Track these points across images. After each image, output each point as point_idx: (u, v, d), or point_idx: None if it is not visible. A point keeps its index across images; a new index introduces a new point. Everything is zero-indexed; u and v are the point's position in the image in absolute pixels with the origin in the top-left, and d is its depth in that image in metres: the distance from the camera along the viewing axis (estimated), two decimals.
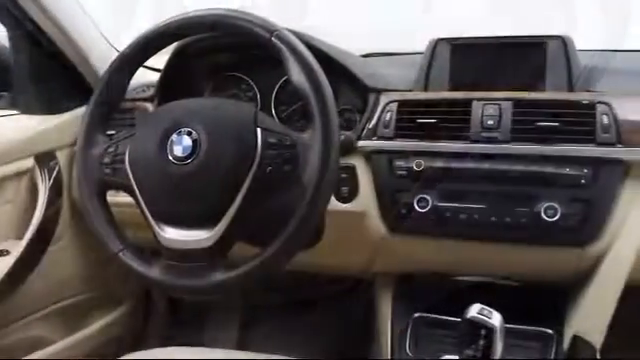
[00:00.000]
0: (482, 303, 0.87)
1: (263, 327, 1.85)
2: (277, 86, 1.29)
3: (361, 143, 1.13)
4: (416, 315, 1.18)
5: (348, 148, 1.10)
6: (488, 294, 0.99)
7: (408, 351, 1.12)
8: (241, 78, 1.33)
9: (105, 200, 1.00)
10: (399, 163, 1.10)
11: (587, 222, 1.02)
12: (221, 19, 0.97)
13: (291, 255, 0.92)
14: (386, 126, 1.12)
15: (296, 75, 0.92)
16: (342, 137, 1.07)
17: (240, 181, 0.90)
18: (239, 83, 1.33)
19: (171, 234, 0.93)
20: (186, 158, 0.91)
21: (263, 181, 0.91)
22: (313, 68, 0.92)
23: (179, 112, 0.96)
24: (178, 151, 0.91)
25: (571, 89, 1.12)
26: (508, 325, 1.06)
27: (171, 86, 1.29)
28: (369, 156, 1.12)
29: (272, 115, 1.28)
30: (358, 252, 1.20)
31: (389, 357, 1.13)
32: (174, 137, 0.92)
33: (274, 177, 0.91)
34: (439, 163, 1.07)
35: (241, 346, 1.80)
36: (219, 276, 0.92)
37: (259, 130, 0.92)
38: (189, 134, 0.92)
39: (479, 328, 0.86)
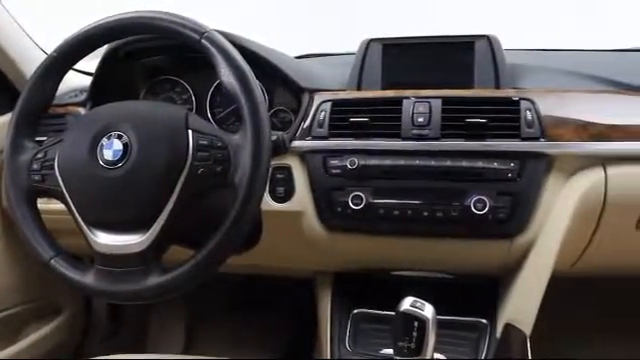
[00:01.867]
0: (419, 297, 0.90)
1: (210, 330, 1.84)
2: (212, 88, 1.28)
3: (296, 143, 1.14)
4: (355, 311, 1.19)
5: (281, 148, 1.11)
6: (424, 288, 1.01)
7: (347, 347, 1.14)
8: (176, 81, 1.32)
9: (35, 207, 0.98)
10: (333, 162, 1.11)
11: (515, 214, 1.05)
12: (150, 21, 0.96)
13: (225, 256, 0.92)
14: (320, 126, 1.13)
15: (226, 77, 0.92)
16: (274, 137, 1.08)
17: (172, 184, 0.90)
18: (174, 86, 1.32)
19: (104, 239, 0.92)
20: (117, 162, 0.90)
21: (195, 183, 0.91)
22: (243, 69, 0.93)
23: (109, 116, 0.95)
24: (108, 155, 0.91)
25: (498, 86, 1.15)
26: (444, 317, 1.10)
27: (104, 90, 1.27)
28: (304, 156, 1.13)
29: (208, 117, 1.28)
30: (297, 251, 1.21)
31: (329, 353, 1.14)
32: (104, 141, 0.91)
33: (206, 179, 0.91)
34: (372, 161, 1.09)
35: (187, 350, 1.79)
36: (154, 280, 0.91)
37: (190, 132, 0.92)
38: (119, 138, 0.91)
39: (412, 320, 0.88)
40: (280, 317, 1.81)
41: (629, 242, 1.17)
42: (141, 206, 0.91)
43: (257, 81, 0.94)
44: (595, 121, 1.08)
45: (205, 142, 0.92)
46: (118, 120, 0.93)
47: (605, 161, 1.08)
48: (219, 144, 0.92)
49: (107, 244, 0.92)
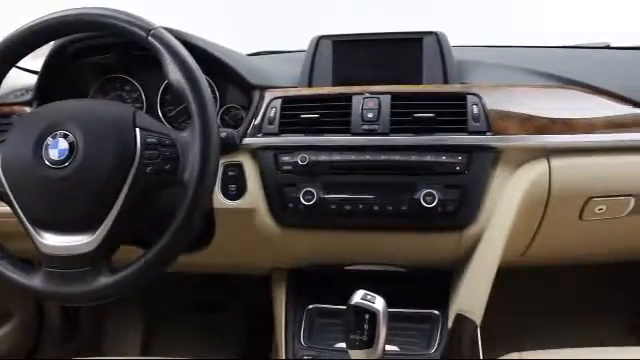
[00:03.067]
0: (372, 290, 0.90)
1: (168, 331, 1.82)
2: (162, 87, 1.27)
3: (247, 140, 1.14)
4: (310, 307, 1.20)
5: (231, 145, 1.10)
6: (378, 282, 1.03)
7: (302, 342, 1.14)
8: (125, 79, 1.30)
9: None
10: (284, 158, 1.11)
11: (463, 207, 1.07)
12: (96, 18, 0.95)
13: (176, 254, 0.92)
14: (270, 122, 1.14)
15: (173, 74, 0.92)
16: (224, 134, 1.07)
17: (120, 183, 0.89)
18: (123, 84, 1.30)
19: (51, 241, 0.91)
20: (63, 162, 0.89)
21: (144, 182, 0.90)
22: (190, 67, 0.92)
23: (54, 114, 0.94)
24: (54, 155, 0.89)
25: (446, 82, 1.18)
26: (397, 309, 1.12)
27: (51, 89, 1.24)
28: (255, 153, 1.13)
29: (158, 116, 1.27)
30: (250, 249, 1.21)
31: (283, 349, 1.14)
32: (49, 140, 0.90)
33: (155, 177, 0.91)
34: (323, 157, 1.10)
35: (145, 352, 1.77)
36: (103, 280, 0.90)
37: (138, 130, 0.91)
38: (65, 137, 0.90)
39: (363, 313, 0.89)
40: (239, 316, 1.81)
41: (573, 231, 1.21)
42: (88, 206, 0.90)
43: (207, 78, 0.94)
44: (539, 115, 1.11)
45: (153, 140, 0.91)
46: (64, 119, 0.92)
47: (549, 153, 1.11)
48: (167, 142, 0.92)
49: (54, 245, 0.91)
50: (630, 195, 1.15)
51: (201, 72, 0.93)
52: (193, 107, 0.91)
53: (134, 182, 0.89)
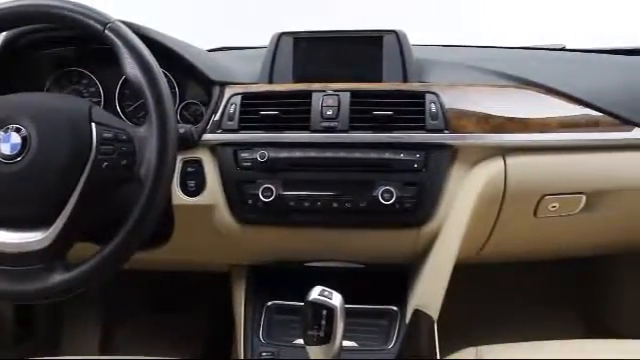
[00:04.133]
0: (331, 287, 0.91)
1: (127, 330, 1.80)
2: (121, 81, 1.25)
3: (206, 136, 1.13)
4: (269, 303, 1.20)
5: (189, 141, 1.10)
6: (337, 278, 1.03)
7: (261, 338, 1.14)
8: (83, 73, 1.28)
9: None
10: (244, 155, 1.11)
11: (421, 204, 1.09)
12: (50, 9, 0.94)
13: (132, 251, 0.91)
14: (230, 119, 1.13)
15: (130, 68, 0.91)
16: (182, 130, 1.07)
17: (75, 178, 0.88)
18: (80, 78, 1.28)
19: (3, 237, 0.89)
20: (15, 156, 0.87)
21: (100, 177, 0.89)
22: (147, 61, 0.91)
23: (6, 108, 0.92)
24: (6, 149, 0.88)
25: (405, 80, 1.19)
26: (356, 306, 1.13)
27: (4, 81, 1.21)
28: (215, 149, 1.13)
29: (117, 111, 1.25)
30: (210, 246, 1.20)
31: (242, 346, 1.14)
32: (1, 134, 0.88)
33: (111, 173, 0.90)
34: (282, 153, 1.10)
35: (104, 351, 1.75)
36: (58, 277, 0.89)
37: (94, 125, 0.90)
38: (18, 131, 0.88)
39: (321, 309, 0.90)
40: (199, 314, 1.80)
41: (529, 228, 1.24)
42: (42, 202, 0.88)
43: (166, 73, 0.94)
44: (495, 114, 1.13)
45: (109, 135, 0.91)
46: (16, 113, 0.90)
47: (505, 152, 1.13)
48: (124, 137, 0.91)
49: (6, 242, 0.89)
50: (582, 193, 1.18)
51: (159, 67, 0.92)
52: (150, 102, 0.90)
53: (89, 178, 0.88)
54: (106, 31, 0.92)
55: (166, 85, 0.92)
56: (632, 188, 1.20)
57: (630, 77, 1.30)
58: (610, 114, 1.18)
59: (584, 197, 1.19)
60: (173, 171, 0.92)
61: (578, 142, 1.16)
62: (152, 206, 0.88)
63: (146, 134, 0.89)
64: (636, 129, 1.18)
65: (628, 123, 1.18)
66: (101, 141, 0.89)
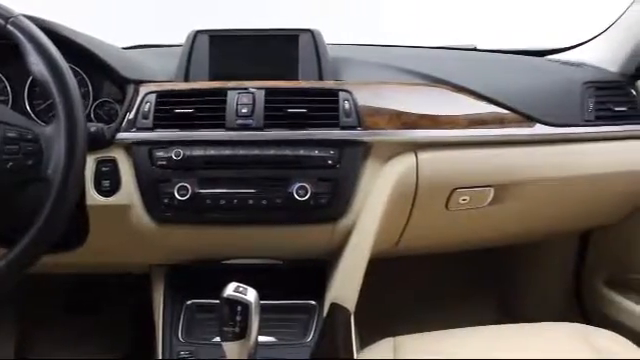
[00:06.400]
0: (251, 283, 0.91)
1: (46, 335, 1.74)
2: (30, 79, 1.21)
3: (121, 135, 1.11)
4: (188, 302, 1.19)
5: (101, 140, 1.08)
6: (255, 275, 1.04)
7: (180, 338, 1.13)
8: None
9: None
10: (159, 153, 1.10)
11: (335, 199, 1.11)
12: None
13: (41, 253, 0.89)
14: (145, 117, 1.12)
15: (35, 65, 0.89)
16: (93, 129, 1.05)
17: None
18: None
19: None
20: None
21: (4, 178, 0.86)
22: (53, 57, 0.89)
23: None
24: None
25: (321, 79, 1.21)
26: (274, 301, 1.14)
27: None
28: (129, 148, 1.11)
29: (26, 110, 1.21)
30: (127, 246, 1.19)
31: (160, 346, 1.13)
32: None
33: (16, 173, 0.87)
34: (197, 151, 1.10)
35: (21, 355, 1.69)
36: None
37: None
38: None
39: (235, 305, 0.90)
40: (120, 315, 1.76)
41: (441, 221, 1.29)
42: None
43: (78, 71, 0.92)
44: (407, 111, 1.17)
45: (13, 134, 0.88)
46: None
47: (416, 147, 1.17)
48: (29, 136, 0.88)
49: None
50: (490, 186, 1.24)
51: (65, 63, 0.90)
52: (57, 100, 0.88)
53: None
54: (8, 26, 0.89)
55: (74, 82, 0.90)
56: (535, 180, 1.26)
57: (534, 77, 1.38)
58: (515, 111, 1.24)
59: (492, 190, 1.24)
60: (83, 170, 0.91)
61: (486, 138, 1.22)
62: (61, 207, 0.86)
63: (53, 133, 0.87)
64: (538, 125, 1.25)
65: (531, 120, 1.25)
66: (5, 140, 0.86)
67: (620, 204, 1.44)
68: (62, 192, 0.86)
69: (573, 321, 1.13)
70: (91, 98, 1.20)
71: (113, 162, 1.11)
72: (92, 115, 1.18)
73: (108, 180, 1.11)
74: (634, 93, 1.37)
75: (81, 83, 1.16)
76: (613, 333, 1.09)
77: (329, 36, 1.25)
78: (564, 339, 1.07)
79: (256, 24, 1.27)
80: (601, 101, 1.32)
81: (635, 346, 1.05)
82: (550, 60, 1.52)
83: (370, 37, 1.49)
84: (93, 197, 1.11)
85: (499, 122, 1.23)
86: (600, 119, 1.31)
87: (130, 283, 1.58)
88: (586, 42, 1.51)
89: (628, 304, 1.46)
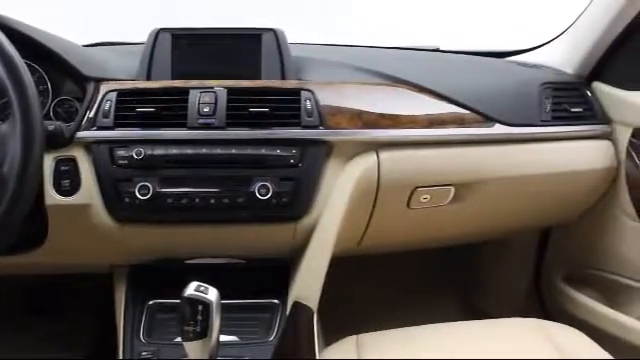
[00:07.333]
0: (213, 284, 0.91)
1: (7, 336, 1.71)
2: None
3: (81, 134, 1.10)
4: (150, 302, 1.18)
5: (60, 139, 1.07)
6: (218, 274, 1.03)
7: (142, 338, 1.13)
8: None
9: None
10: (120, 152, 1.09)
11: (297, 198, 1.11)
12: None
13: None
14: (105, 116, 1.11)
15: None
16: (51, 127, 1.04)
17: None
18: None
19: None
20: None
21: None
22: (7, 54, 0.88)
23: None
24: None
25: (283, 78, 1.21)
26: (238, 301, 1.14)
27: None
28: (90, 147, 1.10)
29: None
30: (88, 246, 1.17)
31: (121, 346, 1.12)
32: None
33: None
34: (158, 150, 1.09)
35: None
36: None
37: None
38: None
39: (196, 304, 0.90)
40: (83, 316, 1.74)
41: (403, 219, 1.30)
42: None
43: (34, 67, 0.90)
44: (368, 110, 1.18)
45: None
46: None
47: (377, 147, 1.18)
48: None
49: None
50: (450, 185, 1.26)
51: (21, 60, 0.89)
52: (13, 97, 0.87)
53: None
54: None
55: (30, 79, 0.88)
56: (494, 179, 1.29)
57: (494, 77, 1.41)
58: (475, 111, 1.27)
59: (453, 189, 1.26)
60: (39, 169, 0.89)
61: (446, 137, 1.24)
62: (16, 206, 0.85)
63: (8, 131, 0.86)
64: (497, 125, 1.28)
65: (490, 120, 1.27)
66: None
67: (577, 202, 1.47)
68: (18, 191, 0.85)
69: (533, 317, 1.16)
70: (50, 96, 1.18)
71: (73, 161, 1.10)
72: (51, 113, 1.17)
73: (68, 179, 1.10)
74: (589, 94, 1.42)
75: (39, 81, 1.14)
76: (570, 327, 1.12)
77: (292, 35, 1.25)
78: (523, 334, 1.09)
79: (219, 23, 1.27)
80: (558, 102, 1.36)
81: (590, 339, 1.08)
82: (510, 62, 1.55)
83: (333, 37, 1.50)
84: (52, 197, 1.09)
85: (459, 122, 1.25)
86: (557, 119, 1.35)
87: (92, 284, 1.57)
88: (544, 44, 1.55)
89: (584, 299, 1.50)
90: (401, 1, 1.90)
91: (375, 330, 1.13)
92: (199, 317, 0.90)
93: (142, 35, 1.26)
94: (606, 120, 1.40)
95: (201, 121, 1.11)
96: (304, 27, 1.46)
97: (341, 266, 1.23)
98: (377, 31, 1.67)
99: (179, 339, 1.09)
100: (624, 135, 1.37)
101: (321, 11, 1.53)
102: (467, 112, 1.26)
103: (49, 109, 1.16)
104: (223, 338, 0.97)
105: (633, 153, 1.34)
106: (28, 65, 0.92)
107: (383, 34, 1.64)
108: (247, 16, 1.46)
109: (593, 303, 1.48)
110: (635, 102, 1.36)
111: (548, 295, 1.66)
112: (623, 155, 1.37)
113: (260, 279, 1.21)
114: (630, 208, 1.36)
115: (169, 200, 1.09)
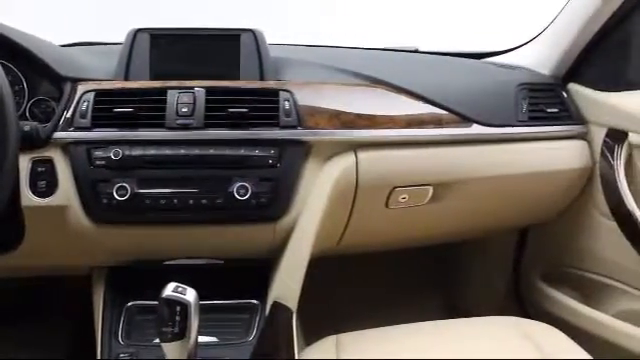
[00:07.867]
0: (192, 284, 0.91)
1: None
2: None
3: (57, 135, 1.09)
4: (129, 304, 1.18)
5: (36, 140, 1.06)
6: (197, 275, 1.03)
7: (120, 340, 1.12)
8: None
9: None
10: (97, 153, 1.09)
11: (276, 199, 1.12)
12: None
13: None
14: (83, 116, 1.10)
15: None
16: (27, 128, 1.03)
17: None
18: None
19: None
20: None
21: None
22: None
23: None
24: None
25: (262, 78, 1.22)
26: (217, 301, 1.14)
27: None
28: (67, 147, 1.09)
29: None
30: (65, 248, 1.16)
31: (99, 348, 1.11)
32: None
33: None
34: (137, 151, 1.09)
35: None
36: None
37: None
38: None
39: (174, 305, 0.90)
40: (61, 318, 1.72)
41: (382, 219, 1.31)
42: None
43: (10, 67, 0.90)
44: (347, 110, 1.19)
45: None
46: None
47: (356, 147, 1.19)
48: None
49: None
50: (429, 185, 1.27)
51: None
52: None
53: None
54: None
55: (4, 78, 0.88)
56: (472, 179, 1.30)
57: (472, 78, 1.42)
58: (453, 112, 1.28)
59: (431, 188, 1.27)
60: (14, 171, 0.89)
61: (424, 138, 1.25)
62: None
63: None
64: (475, 125, 1.29)
65: (468, 120, 1.29)
66: None
67: (554, 202, 1.49)
68: None
69: (513, 315, 1.17)
70: (26, 96, 1.17)
71: (49, 162, 1.09)
72: (27, 114, 1.16)
73: (44, 181, 1.09)
74: (565, 95, 1.44)
75: (14, 80, 1.13)
76: (548, 325, 1.14)
77: (271, 36, 1.25)
78: (502, 332, 1.10)
79: (197, 23, 1.26)
80: (534, 102, 1.37)
81: (567, 337, 1.10)
82: (487, 63, 1.57)
83: (312, 38, 1.51)
84: (29, 198, 1.08)
85: (437, 122, 1.26)
86: (533, 120, 1.37)
87: (70, 286, 1.55)
88: (521, 46, 1.57)
89: (562, 297, 1.52)
90: (382, 2, 1.91)
91: (355, 330, 1.13)
92: (177, 318, 0.90)
93: (120, 35, 1.25)
94: (581, 120, 1.42)
95: (179, 121, 1.11)
96: (282, 28, 1.46)
97: (321, 266, 1.24)
98: (356, 32, 1.68)
99: (158, 340, 1.09)
100: (599, 135, 1.39)
101: (299, 11, 1.53)
102: (445, 112, 1.27)
103: (25, 109, 1.15)
104: (202, 339, 0.97)
105: (607, 153, 1.36)
106: (2, 65, 0.91)
107: (367, 35, 1.64)
108: (229, 17, 1.46)
109: (570, 301, 1.50)
110: (609, 103, 1.38)
111: (527, 293, 1.68)
112: (598, 155, 1.39)
113: (239, 279, 1.21)
114: (605, 207, 1.38)
115: (147, 201, 1.08)
